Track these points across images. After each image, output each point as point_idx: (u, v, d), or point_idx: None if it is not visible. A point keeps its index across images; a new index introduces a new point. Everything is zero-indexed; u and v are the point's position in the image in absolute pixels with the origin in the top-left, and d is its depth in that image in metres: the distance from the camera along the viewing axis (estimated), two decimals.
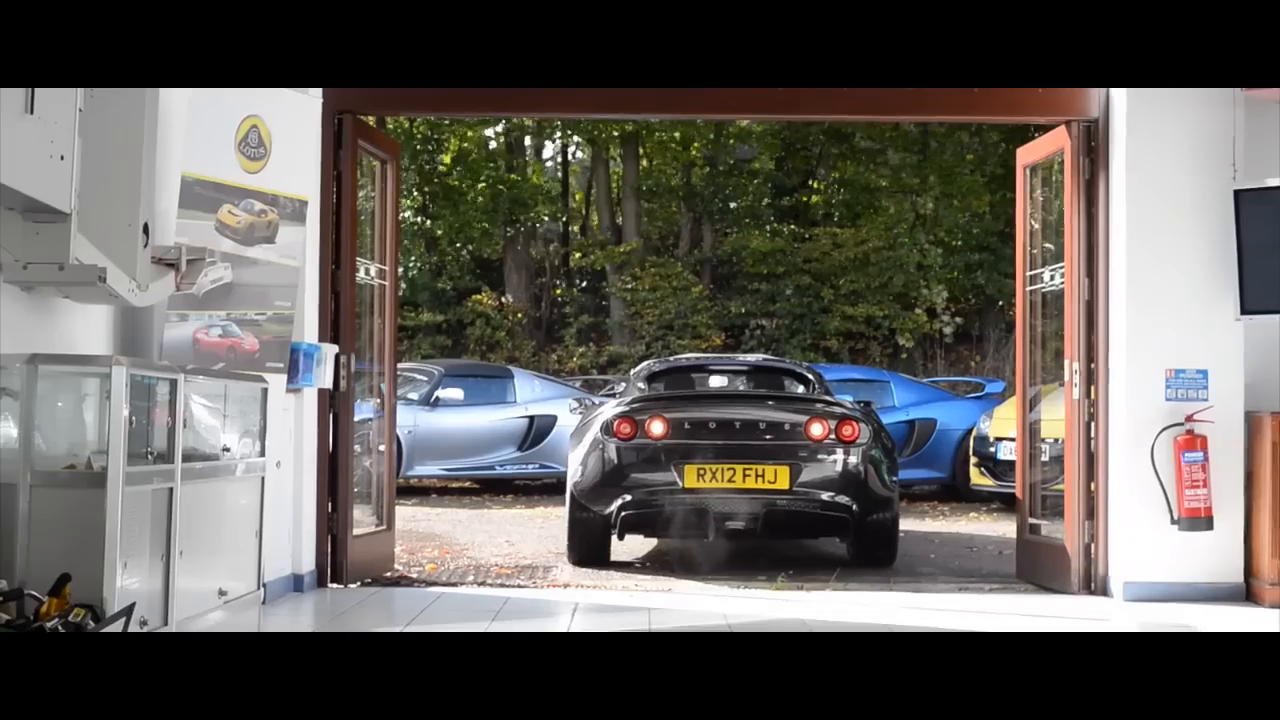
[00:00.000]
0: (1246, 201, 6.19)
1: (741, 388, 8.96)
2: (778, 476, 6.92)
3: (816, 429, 7.02)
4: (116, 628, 3.65)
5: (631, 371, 9.36)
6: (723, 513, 6.93)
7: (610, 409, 7.35)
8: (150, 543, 3.98)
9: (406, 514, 10.26)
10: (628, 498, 7.02)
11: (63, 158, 3.85)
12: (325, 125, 6.54)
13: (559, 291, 22.37)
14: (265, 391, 4.99)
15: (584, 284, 22.71)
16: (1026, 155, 7.31)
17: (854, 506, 7.00)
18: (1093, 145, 6.64)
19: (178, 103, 5.25)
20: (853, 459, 7.03)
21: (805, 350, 18.98)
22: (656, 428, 7.03)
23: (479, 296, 21.24)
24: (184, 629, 4.15)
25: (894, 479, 7.32)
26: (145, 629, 3.90)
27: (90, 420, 4.09)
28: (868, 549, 7.37)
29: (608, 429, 7.09)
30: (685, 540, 7.66)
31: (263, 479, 4.94)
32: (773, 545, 7.99)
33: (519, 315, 21.41)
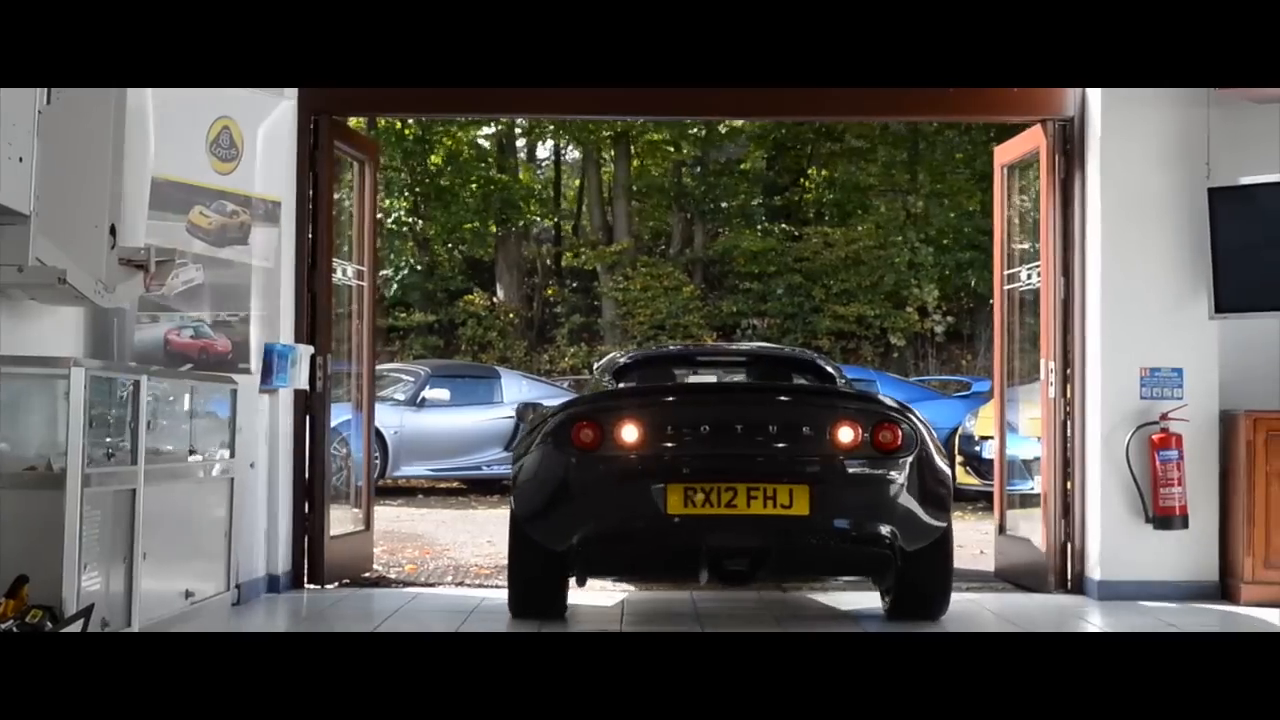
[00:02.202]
0: (1220, 200, 6.20)
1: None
2: (793, 499, 5.13)
3: (845, 433, 5.23)
4: (75, 629, 3.65)
5: (596, 366, 7.57)
6: (719, 547, 5.16)
7: (567, 409, 5.51)
8: (112, 544, 3.98)
9: (390, 514, 10.27)
10: (590, 529, 5.23)
11: (21, 159, 3.84)
12: (301, 126, 6.55)
13: (551, 292, 22.39)
14: (234, 392, 4.99)
15: (575, 284, 22.73)
16: (1004, 154, 7.31)
17: (896, 539, 5.25)
18: (1068, 144, 6.65)
19: (148, 103, 5.25)
20: (895, 474, 5.26)
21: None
22: (629, 433, 5.19)
23: (471, 297, 21.26)
24: (149, 630, 4.15)
25: (948, 501, 5.52)
26: (107, 630, 3.90)
27: (52, 422, 4.09)
28: (913, 597, 5.60)
29: (563, 436, 5.26)
30: (670, 585, 6.35)
31: (232, 480, 4.93)
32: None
33: (511, 315, 21.43)
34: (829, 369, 6.69)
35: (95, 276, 4.50)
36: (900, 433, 5.29)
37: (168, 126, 5.35)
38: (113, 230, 4.62)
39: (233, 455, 4.95)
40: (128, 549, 4.10)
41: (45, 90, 4.06)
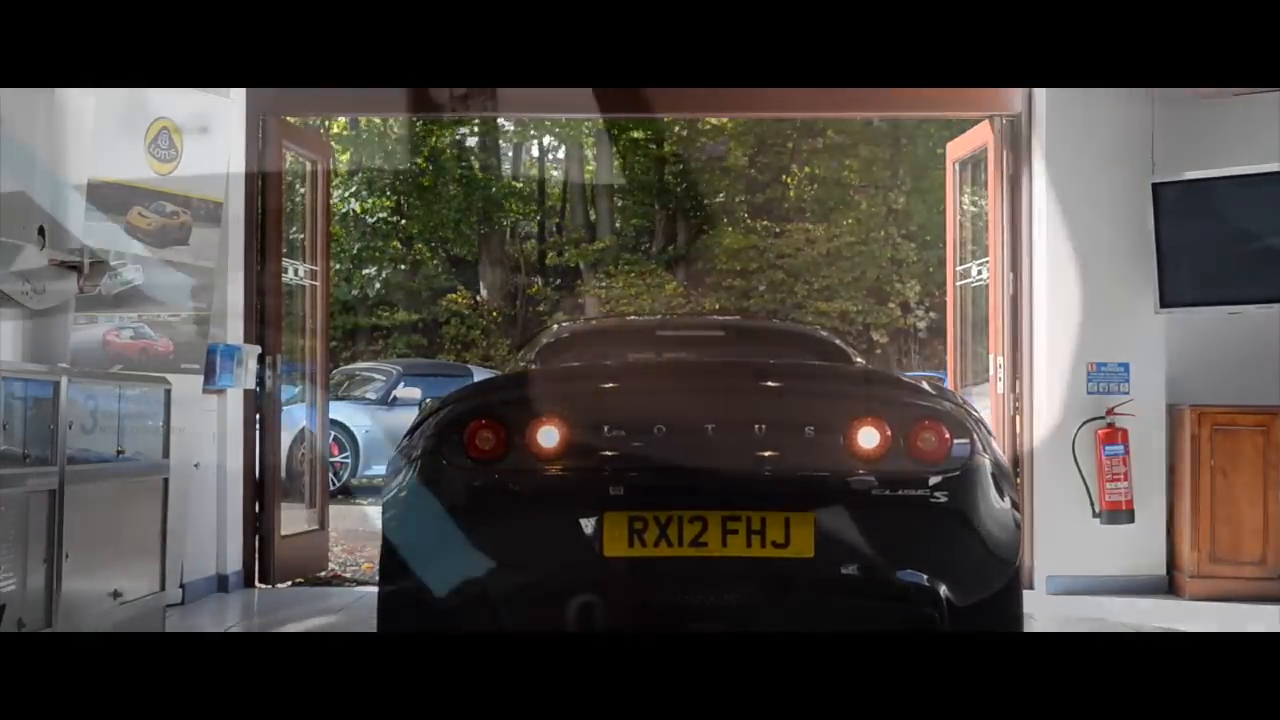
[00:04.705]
0: (1164, 194, 6.20)
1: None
2: (791, 534, 3.52)
3: (869, 436, 3.59)
4: None
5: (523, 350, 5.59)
6: (683, 606, 3.59)
7: (455, 401, 3.79)
8: (30, 545, 3.98)
9: (358, 513, 10.28)
10: (489, 582, 3.55)
11: None
12: (250, 127, 6.55)
13: (534, 290, 22.40)
14: (168, 393, 4.98)
15: (559, 281, 22.74)
16: (955, 150, 7.32)
17: (947, 594, 3.60)
18: (1016, 140, 6.65)
19: (87, 104, 5.26)
20: (943, 497, 3.61)
21: None
22: (546, 437, 3.57)
23: (454, 295, 21.27)
24: (68, 631, 4.15)
25: (1017, 532, 3.79)
26: (23, 630, 3.91)
27: None
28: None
29: (449, 440, 3.61)
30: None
31: (165, 480, 4.93)
32: None
33: (494, 314, 21.43)
34: (841, 345, 4.98)
35: (24, 278, 4.52)
36: (948, 435, 3.64)
37: (105, 127, 5.37)
38: (41, 232, 4.64)
39: (166, 455, 4.94)
40: (49, 550, 4.09)
41: None
